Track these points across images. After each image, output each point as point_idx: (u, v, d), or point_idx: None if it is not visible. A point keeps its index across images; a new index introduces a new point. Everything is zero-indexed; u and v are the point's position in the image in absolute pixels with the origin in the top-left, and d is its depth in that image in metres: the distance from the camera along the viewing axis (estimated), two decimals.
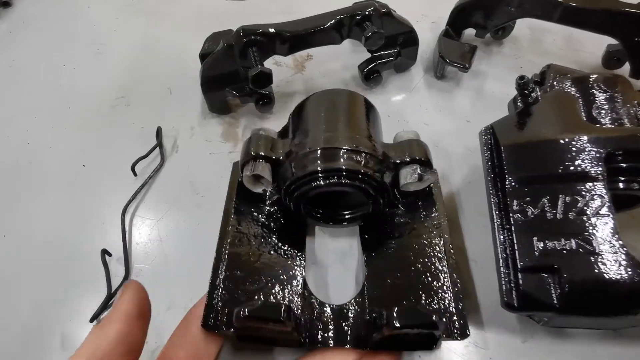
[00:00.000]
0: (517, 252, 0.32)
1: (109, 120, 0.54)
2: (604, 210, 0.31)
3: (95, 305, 0.40)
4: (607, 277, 0.29)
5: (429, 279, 0.35)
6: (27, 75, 0.61)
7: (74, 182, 0.49)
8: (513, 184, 0.34)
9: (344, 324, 0.34)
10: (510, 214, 0.33)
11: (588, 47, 0.56)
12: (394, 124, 0.51)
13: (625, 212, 0.36)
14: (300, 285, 0.36)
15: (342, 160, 0.35)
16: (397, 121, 0.51)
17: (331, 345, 0.33)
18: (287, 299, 0.35)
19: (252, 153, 0.37)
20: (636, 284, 0.29)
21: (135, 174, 0.48)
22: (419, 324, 0.30)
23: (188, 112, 0.54)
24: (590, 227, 0.31)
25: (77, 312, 0.40)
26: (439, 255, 0.37)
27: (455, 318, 0.32)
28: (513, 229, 0.33)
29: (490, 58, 0.57)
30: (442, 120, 0.51)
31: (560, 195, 0.32)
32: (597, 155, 0.33)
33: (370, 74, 0.52)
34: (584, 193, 0.32)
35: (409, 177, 0.37)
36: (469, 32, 0.56)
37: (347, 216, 0.40)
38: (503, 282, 0.32)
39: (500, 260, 0.33)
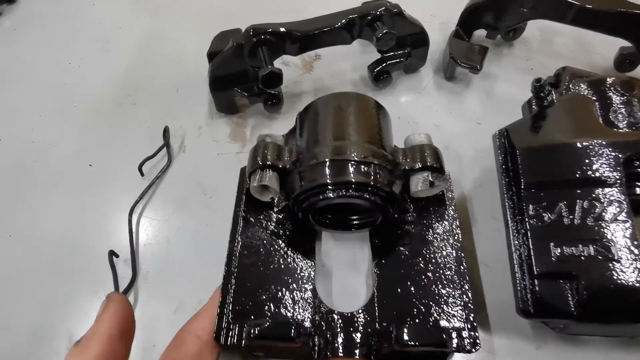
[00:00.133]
0: (533, 257, 0.32)
1: (115, 119, 0.54)
2: (623, 216, 0.31)
3: None
4: (626, 284, 0.29)
5: (440, 288, 0.35)
6: (32, 72, 0.60)
7: (80, 182, 0.48)
8: (529, 188, 0.34)
9: (353, 333, 0.33)
10: (526, 219, 0.33)
11: (599, 49, 0.56)
12: (404, 125, 0.50)
13: None
14: (310, 293, 0.35)
15: (351, 172, 0.34)
16: (407, 122, 0.51)
17: (340, 355, 0.32)
18: (297, 308, 0.34)
19: (260, 162, 0.36)
20: None
21: (142, 174, 0.48)
22: (430, 342, 0.30)
23: (195, 112, 0.53)
24: (609, 233, 0.31)
25: (84, 314, 0.40)
26: (450, 263, 0.36)
27: (466, 330, 0.32)
28: (529, 235, 0.32)
29: (501, 59, 0.56)
30: (453, 122, 0.51)
31: (578, 201, 0.32)
32: (616, 159, 0.32)
33: (380, 75, 0.52)
34: (602, 198, 0.32)
35: (419, 184, 0.36)
36: (479, 33, 0.56)
37: (356, 222, 0.40)
38: (518, 288, 0.32)
39: (516, 266, 0.33)
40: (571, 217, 0.32)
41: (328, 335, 0.33)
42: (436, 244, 0.37)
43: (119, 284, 0.40)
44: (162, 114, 0.53)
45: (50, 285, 0.42)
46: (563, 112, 0.37)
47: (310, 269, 0.37)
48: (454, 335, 0.31)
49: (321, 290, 0.37)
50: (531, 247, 0.32)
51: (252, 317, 0.33)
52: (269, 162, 0.36)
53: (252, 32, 0.45)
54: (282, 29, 0.45)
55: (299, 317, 0.34)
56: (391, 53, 0.51)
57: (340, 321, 0.34)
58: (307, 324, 0.33)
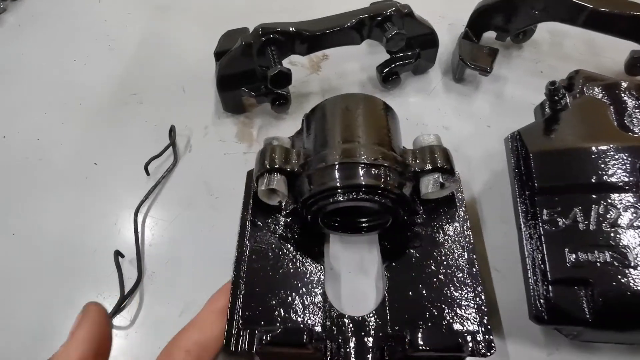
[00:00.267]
0: (547, 263, 0.31)
1: (121, 117, 0.53)
2: (639, 222, 0.30)
3: (107, 308, 0.38)
4: None
5: (452, 290, 0.34)
6: (37, 69, 0.60)
7: (85, 181, 0.48)
8: (542, 192, 0.33)
9: (365, 337, 0.33)
10: (540, 224, 0.32)
11: (609, 53, 0.55)
12: (412, 127, 0.50)
13: None
14: (320, 297, 0.35)
15: (361, 175, 0.34)
16: (416, 124, 0.50)
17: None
18: (307, 313, 0.34)
19: (267, 166, 0.36)
20: None
21: (147, 173, 0.47)
22: (445, 347, 0.29)
23: (202, 111, 0.53)
24: (625, 239, 0.30)
25: None
26: (462, 265, 0.36)
27: (480, 334, 0.32)
28: (543, 240, 0.32)
29: (510, 62, 0.56)
30: (461, 124, 0.50)
31: (593, 206, 0.32)
32: (632, 164, 0.32)
33: (389, 76, 0.51)
34: (617, 204, 0.31)
35: (430, 186, 0.36)
36: (488, 34, 0.55)
37: (365, 225, 0.39)
38: (532, 294, 0.32)
39: (529, 271, 0.32)
40: (586, 222, 0.31)
41: (340, 340, 0.32)
42: (447, 246, 0.37)
43: (125, 285, 0.40)
44: (168, 113, 0.53)
45: (54, 285, 0.41)
46: (577, 116, 0.36)
47: (319, 273, 0.36)
48: (468, 338, 0.31)
49: (331, 294, 0.37)
50: (545, 252, 0.31)
51: (262, 322, 0.33)
52: (276, 166, 0.36)
53: (261, 31, 0.44)
54: (291, 29, 0.45)
55: (309, 322, 0.33)
56: (400, 54, 0.51)
57: (351, 325, 0.34)
58: (318, 328, 0.33)
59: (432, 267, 0.36)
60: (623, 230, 0.30)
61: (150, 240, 0.43)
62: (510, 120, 0.48)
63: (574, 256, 0.31)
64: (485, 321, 0.32)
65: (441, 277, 0.35)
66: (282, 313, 0.33)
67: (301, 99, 0.53)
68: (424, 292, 0.35)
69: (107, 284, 0.41)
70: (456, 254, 0.36)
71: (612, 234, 0.30)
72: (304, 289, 0.35)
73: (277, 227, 0.39)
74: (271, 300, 0.34)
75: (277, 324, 0.33)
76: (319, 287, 0.35)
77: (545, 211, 0.33)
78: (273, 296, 0.34)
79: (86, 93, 0.56)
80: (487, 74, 0.50)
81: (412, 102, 0.53)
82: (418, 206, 0.39)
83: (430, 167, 0.36)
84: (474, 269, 0.35)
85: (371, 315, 0.34)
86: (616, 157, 0.32)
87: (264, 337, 0.30)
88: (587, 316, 0.29)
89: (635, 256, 0.29)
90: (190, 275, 0.41)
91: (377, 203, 0.34)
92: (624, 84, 0.36)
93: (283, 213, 0.40)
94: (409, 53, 0.51)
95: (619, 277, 0.29)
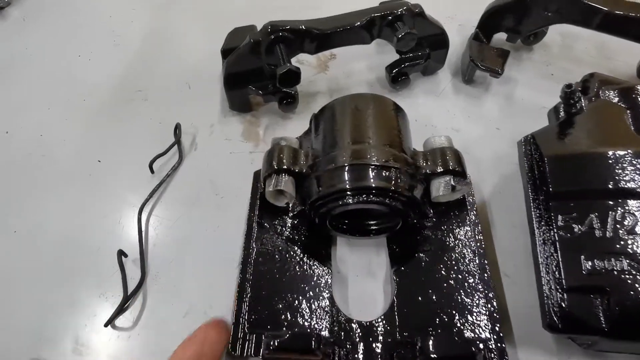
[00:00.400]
0: (562, 270, 0.30)
1: (125, 114, 0.53)
2: None
3: (110, 309, 0.38)
4: None
5: (463, 296, 0.34)
6: (41, 64, 0.59)
7: (88, 178, 0.47)
8: (557, 198, 0.33)
9: (373, 343, 0.32)
10: (555, 230, 0.32)
11: (621, 56, 0.54)
12: (422, 128, 0.49)
13: None
14: (327, 301, 0.34)
15: (371, 177, 0.33)
16: (425, 126, 0.49)
17: None
18: (315, 318, 0.33)
19: (275, 166, 0.35)
20: None
21: (152, 172, 0.46)
22: (457, 355, 0.29)
23: (207, 109, 0.52)
24: None
25: (91, 316, 0.38)
26: (473, 270, 0.35)
27: (492, 342, 0.31)
28: (558, 246, 0.31)
29: (520, 64, 0.55)
30: (471, 126, 0.50)
31: (610, 212, 0.31)
32: None
33: (398, 77, 0.50)
34: (635, 210, 0.31)
35: (441, 189, 0.35)
36: (498, 36, 0.55)
37: (374, 227, 0.38)
38: (546, 302, 0.31)
39: (543, 278, 0.31)
40: (603, 229, 0.31)
41: (348, 345, 0.32)
42: (457, 251, 0.36)
43: (128, 286, 0.39)
44: (174, 111, 0.52)
45: (55, 284, 0.40)
46: (593, 120, 0.35)
47: (327, 276, 0.36)
48: (480, 346, 0.30)
49: (338, 298, 0.36)
50: (560, 259, 0.31)
51: (269, 326, 0.32)
52: (284, 166, 0.35)
53: (270, 28, 0.44)
54: (301, 27, 0.44)
55: (317, 326, 0.32)
56: (410, 54, 0.50)
57: (359, 331, 0.33)
58: (326, 333, 0.32)
59: (442, 271, 0.35)
60: None
61: (154, 240, 0.43)
62: (520, 123, 0.47)
63: (590, 264, 0.30)
64: (497, 328, 0.31)
65: (451, 282, 0.34)
66: (289, 317, 0.33)
67: (308, 99, 0.52)
68: (434, 297, 0.34)
69: (110, 284, 0.40)
70: (467, 259, 0.35)
71: (629, 242, 0.30)
72: (311, 293, 0.34)
73: (284, 229, 0.38)
74: (278, 303, 0.33)
75: (284, 329, 0.32)
76: (326, 291, 0.35)
77: (560, 217, 0.32)
78: (280, 300, 0.34)
79: (90, 89, 0.55)
80: (498, 76, 0.49)
81: (421, 103, 0.52)
82: (428, 209, 0.38)
83: (442, 170, 0.35)
84: (486, 275, 0.34)
85: (379, 320, 0.34)
86: (634, 162, 0.32)
87: (272, 343, 0.29)
88: (603, 325, 0.29)
89: None
90: (194, 276, 0.40)
91: (387, 206, 0.34)
92: None
93: (290, 214, 0.39)
94: (419, 53, 0.50)
95: (637, 285, 0.28)
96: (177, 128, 0.49)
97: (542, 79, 0.53)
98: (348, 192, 0.33)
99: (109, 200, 0.45)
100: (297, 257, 0.36)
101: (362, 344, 0.32)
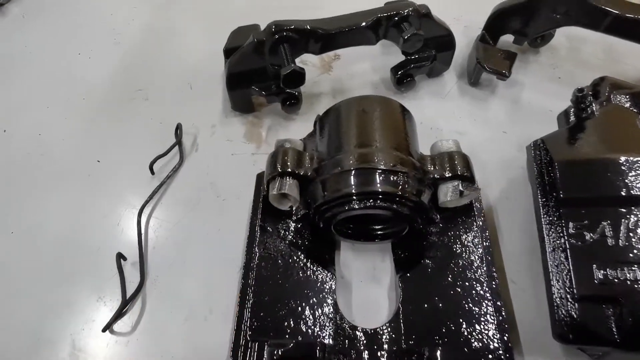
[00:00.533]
0: (574, 279, 0.30)
1: (125, 114, 0.52)
2: None
3: (108, 313, 0.37)
4: None
5: (470, 304, 0.33)
6: (40, 62, 0.58)
7: (87, 178, 0.46)
8: (568, 204, 0.32)
9: (378, 352, 0.31)
10: (566, 237, 0.31)
11: (629, 60, 0.54)
12: (427, 131, 0.48)
13: None
14: (331, 308, 0.33)
15: (378, 182, 0.32)
16: (430, 128, 0.49)
17: None
18: (318, 325, 0.32)
19: (279, 169, 0.34)
20: None
21: (152, 173, 0.46)
22: None
23: (209, 109, 0.51)
24: None
25: (88, 320, 0.38)
26: (481, 278, 0.34)
27: (500, 351, 0.30)
28: (569, 254, 0.30)
29: (527, 67, 0.54)
30: (477, 129, 0.49)
31: (623, 220, 0.30)
32: None
33: (404, 78, 0.50)
34: None
35: (449, 194, 0.34)
36: (504, 38, 0.54)
37: (379, 232, 0.38)
38: (556, 311, 0.30)
39: (553, 287, 0.31)
40: (615, 237, 0.30)
41: (352, 354, 0.31)
42: (464, 257, 0.35)
43: (126, 289, 0.38)
44: (174, 111, 0.51)
45: (53, 286, 0.40)
46: (604, 125, 0.35)
47: (330, 282, 0.35)
48: (489, 357, 0.29)
49: (342, 304, 0.35)
50: (571, 268, 0.30)
51: (271, 334, 0.31)
52: (289, 169, 0.35)
53: (274, 28, 0.43)
54: (306, 26, 0.43)
55: (320, 334, 0.32)
56: (416, 56, 0.49)
57: (363, 338, 0.32)
58: (330, 341, 0.31)
59: (449, 279, 0.34)
60: None
61: (154, 243, 0.42)
62: (527, 127, 0.47)
63: (602, 273, 0.29)
64: (505, 338, 0.31)
65: (458, 289, 0.34)
66: (292, 324, 0.32)
67: (312, 100, 0.52)
68: (440, 305, 0.33)
69: (109, 287, 0.39)
70: (474, 266, 0.35)
71: None
72: (315, 299, 0.34)
73: (287, 233, 0.37)
74: (280, 310, 0.33)
75: (287, 336, 0.31)
76: (330, 297, 0.34)
77: (571, 224, 0.31)
78: (282, 306, 0.33)
79: (90, 88, 0.54)
80: (505, 78, 0.48)
81: (426, 106, 0.51)
82: (435, 215, 0.37)
83: (450, 175, 0.35)
84: (494, 283, 0.33)
85: (384, 328, 0.33)
86: None
87: (275, 352, 0.28)
88: (615, 336, 0.28)
89: None
90: (195, 280, 0.39)
91: (394, 211, 0.33)
92: None
93: (294, 218, 0.38)
94: (425, 55, 0.49)
95: None
96: (178, 128, 0.48)
97: (549, 82, 0.53)
98: (354, 197, 0.32)
99: (108, 201, 0.45)
100: (300, 262, 0.36)
101: (366, 352, 0.31)
